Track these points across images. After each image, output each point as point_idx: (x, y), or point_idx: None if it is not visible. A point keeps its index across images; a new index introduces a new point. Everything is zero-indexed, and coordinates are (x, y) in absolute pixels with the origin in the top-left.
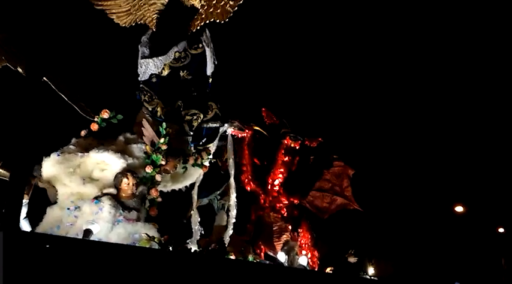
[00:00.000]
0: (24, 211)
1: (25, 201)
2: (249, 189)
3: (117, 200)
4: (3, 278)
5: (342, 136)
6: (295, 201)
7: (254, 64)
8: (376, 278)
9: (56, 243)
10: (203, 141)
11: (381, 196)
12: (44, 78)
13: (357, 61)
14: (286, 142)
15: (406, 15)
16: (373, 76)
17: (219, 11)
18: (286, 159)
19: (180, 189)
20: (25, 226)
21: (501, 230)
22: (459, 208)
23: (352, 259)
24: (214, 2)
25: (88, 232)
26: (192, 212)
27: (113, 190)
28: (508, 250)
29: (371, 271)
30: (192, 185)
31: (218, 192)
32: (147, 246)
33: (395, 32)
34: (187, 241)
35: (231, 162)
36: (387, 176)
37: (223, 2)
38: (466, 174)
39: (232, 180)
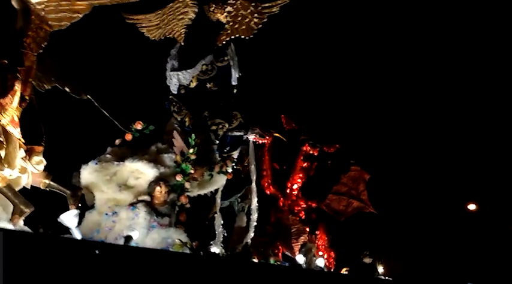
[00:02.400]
0: (76, 220)
1: (76, 211)
2: (268, 192)
3: (151, 207)
4: (3, 278)
5: (358, 142)
6: (313, 205)
7: (274, 75)
8: (388, 278)
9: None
10: (227, 149)
11: (392, 198)
12: (88, 96)
13: (369, 70)
14: (305, 149)
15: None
16: (384, 84)
17: (244, 27)
18: (305, 164)
19: (204, 194)
20: (77, 234)
21: None
22: (472, 206)
23: (367, 260)
24: (239, 18)
25: (129, 237)
26: (215, 215)
27: (147, 198)
28: None
29: (380, 269)
30: (216, 190)
31: (238, 195)
32: (180, 251)
33: (413, 39)
34: (211, 242)
35: (252, 167)
36: (399, 178)
37: (248, 19)
38: (479, 172)
39: (254, 185)
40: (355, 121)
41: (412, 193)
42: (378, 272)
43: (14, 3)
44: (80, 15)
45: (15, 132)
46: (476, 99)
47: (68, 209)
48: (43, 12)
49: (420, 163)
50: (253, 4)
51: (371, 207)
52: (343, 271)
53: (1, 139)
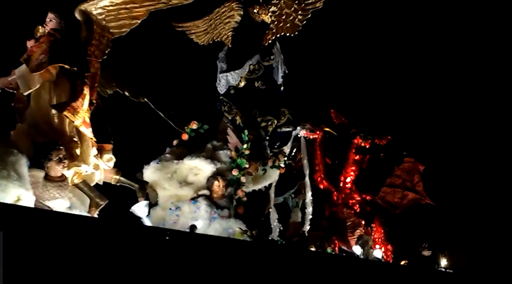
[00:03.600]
0: (146, 210)
1: (146, 202)
2: (322, 187)
3: (211, 200)
4: (3, 278)
5: (412, 133)
6: (367, 197)
7: (322, 69)
8: (449, 270)
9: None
10: (277, 144)
11: (455, 189)
12: (145, 99)
13: (419, 59)
14: (356, 141)
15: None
16: (438, 74)
17: (288, 25)
18: (357, 157)
19: (259, 189)
20: (148, 223)
21: None
22: None
23: (426, 253)
24: (283, 17)
25: (193, 227)
26: (270, 210)
27: (206, 192)
28: None
29: (444, 262)
30: (270, 185)
31: (292, 191)
32: (241, 238)
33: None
34: (268, 237)
35: (305, 162)
36: (460, 168)
37: (292, 17)
38: None
39: (307, 179)
40: (407, 112)
41: (478, 183)
42: (440, 265)
43: (78, 16)
44: (139, 21)
45: (88, 132)
46: None
47: (136, 201)
48: (104, 22)
49: (478, 149)
50: (296, 2)
51: (427, 198)
52: (402, 264)
53: (76, 139)
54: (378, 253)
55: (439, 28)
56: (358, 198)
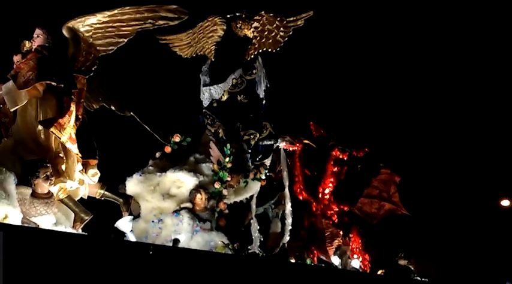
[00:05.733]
0: (130, 225)
1: (130, 217)
2: (301, 197)
3: (193, 213)
4: (3, 278)
5: (388, 146)
6: (345, 208)
7: (302, 84)
8: (424, 279)
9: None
10: (259, 157)
11: (424, 198)
12: (131, 113)
13: (395, 73)
14: (334, 153)
15: None
16: (411, 85)
17: (270, 41)
18: (335, 169)
19: (240, 201)
20: (132, 238)
21: None
22: (505, 202)
23: (402, 262)
24: (266, 33)
25: (176, 240)
26: (251, 221)
27: (189, 204)
28: None
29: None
30: (251, 196)
31: (272, 202)
32: (223, 252)
33: (442, 45)
34: (249, 247)
35: (284, 174)
36: (430, 178)
37: (274, 33)
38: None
39: (287, 191)
40: (384, 125)
41: (443, 191)
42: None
43: (65, 33)
44: (125, 40)
45: (73, 147)
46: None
47: (120, 216)
48: (91, 39)
49: (451, 161)
50: (278, 19)
51: (403, 209)
52: (379, 273)
53: (61, 155)
54: (355, 263)
55: (409, 44)
56: (336, 209)
